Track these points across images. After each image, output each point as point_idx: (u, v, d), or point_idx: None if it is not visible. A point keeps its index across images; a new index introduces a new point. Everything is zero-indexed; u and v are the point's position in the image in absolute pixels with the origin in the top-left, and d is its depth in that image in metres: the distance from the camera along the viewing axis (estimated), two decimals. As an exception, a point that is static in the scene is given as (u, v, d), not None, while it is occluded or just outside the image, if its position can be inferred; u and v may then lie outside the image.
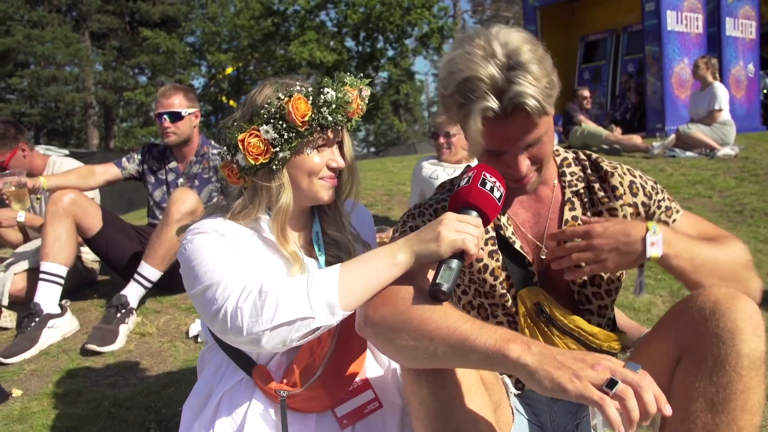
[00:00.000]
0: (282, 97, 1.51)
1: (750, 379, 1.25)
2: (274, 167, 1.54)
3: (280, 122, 1.50)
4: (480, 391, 1.32)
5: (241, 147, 1.51)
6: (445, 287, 1.24)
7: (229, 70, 27.21)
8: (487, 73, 1.30)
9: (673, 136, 7.39)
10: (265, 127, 1.50)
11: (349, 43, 25.13)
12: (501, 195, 1.36)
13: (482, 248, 1.55)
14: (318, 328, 1.33)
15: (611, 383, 1.00)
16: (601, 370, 1.03)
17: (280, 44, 24.39)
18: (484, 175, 1.35)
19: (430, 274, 1.35)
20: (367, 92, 1.62)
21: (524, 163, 1.40)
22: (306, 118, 1.49)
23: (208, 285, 1.40)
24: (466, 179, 1.37)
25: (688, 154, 7.21)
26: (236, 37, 26.15)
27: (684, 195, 5.51)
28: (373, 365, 1.69)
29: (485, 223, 1.36)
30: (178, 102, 3.55)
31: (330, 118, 1.52)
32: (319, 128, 1.54)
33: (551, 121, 1.42)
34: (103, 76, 26.95)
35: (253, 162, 1.51)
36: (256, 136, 1.51)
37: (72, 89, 25.80)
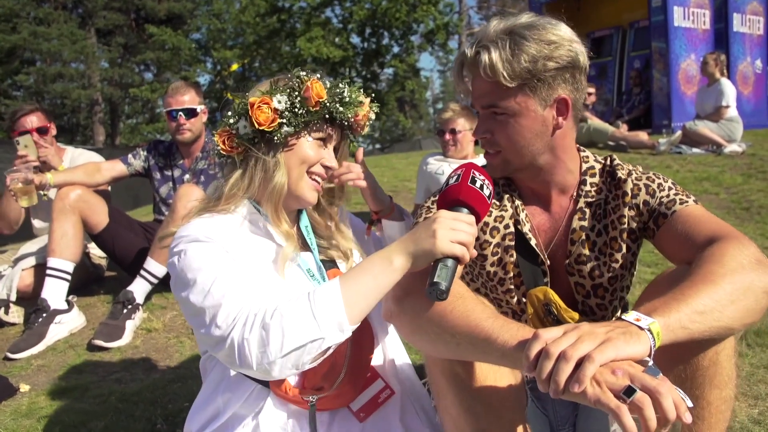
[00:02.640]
0: (303, 74, 1.54)
1: (716, 354, 1.26)
2: (275, 139, 1.52)
3: (296, 95, 1.52)
4: (507, 370, 1.32)
5: (249, 110, 1.50)
6: (443, 286, 1.20)
7: (234, 67, 27.23)
8: (487, 28, 1.45)
9: (679, 133, 7.36)
10: (278, 96, 1.51)
11: (355, 39, 25.11)
12: (490, 192, 1.35)
13: (499, 242, 1.56)
14: (329, 348, 1.30)
15: (629, 390, 0.98)
16: (620, 375, 1.00)
17: (285, 41, 24.39)
18: (473, 173, 1.33)
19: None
20: (371, 114, 1.67)
21: (481, 127, 1.52)
22: (321, 99, 1.52)
23: (206, 307, 1.33)
24: (455, 177, 1.35)
25: (695, 150, 7.17)
26: (241, 34, 26.17)
27: (690, 192, 5.49)
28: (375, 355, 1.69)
29: (476, 222, 1.35)
30: (190, 98, 3.55)
31: (341, 109, 1.54)
32: (327, 118, 1.56)
33: (527, 110, 1.44)
34: (109, 73, 27.01)
35: (256, 126, 1.49)
36: (267, 103, 1.51)
37: (78, 86, 25.89)
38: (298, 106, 1.51)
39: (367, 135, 1.76)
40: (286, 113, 1.51)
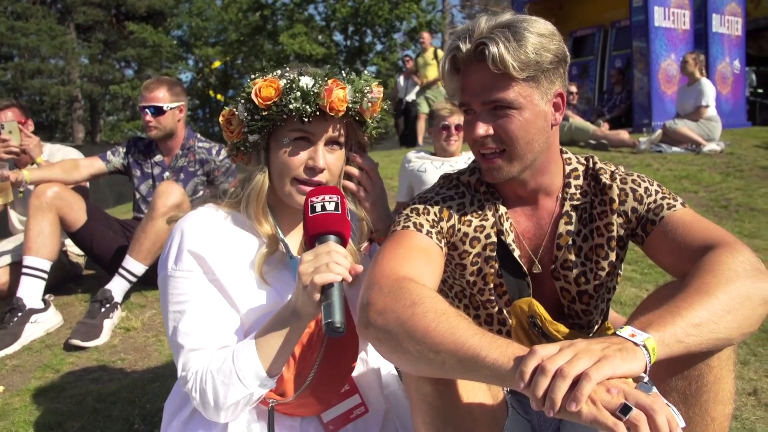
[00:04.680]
0: (254, 77, 1.49)
1: (720, 369, 1.25)
2: (243, 149, 1.51)
3: (249, 103, 1.46)
4: (483, 387, 1.30)
5: (221, 122, 1.53)
6: (337, 322, 1.24)
7: (216, 64, 27.05)
8: (476, 24, 1.40)
9: (659, 132, 7.44)
10: (240, 107, 1.49)
11: (338, 37, 25.09)
12: (335, 204, 1.36)
13: (479, 252, 1.53)
14: (259, 396, 1.42)
15: (625, 408, 0.98)
16: (615, 393, 0.99)
17: (268, 39, 24.28)
18: (309, 201, 1.37)
19: (422, 272, 1.34)
20: (376, 94, 1.52)
21: (481, 125, 1.42)
22: (269, 102, 1.44)
23: (171, 338, 1.47)
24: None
25: (675, 149, 7.26)
26: (224, 31, 26.00)
27: (670, 190, 5.55)
28: (358, 367, 1.66)
29: (345, 237, 1.37)
30: (161, 95, 3.52)
31: (292, 105, 1.42)
32: (293, 116, 1.44)
33: (531, 104, 1.40)
34: (89, 69, 26.68)
35: (227, 138, 1.52)
36: (233, 114, 1.51)
37: (57, 82, 25.56)
38: (252, 114, 1.46)
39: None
40: (245, 121, 1.47)
